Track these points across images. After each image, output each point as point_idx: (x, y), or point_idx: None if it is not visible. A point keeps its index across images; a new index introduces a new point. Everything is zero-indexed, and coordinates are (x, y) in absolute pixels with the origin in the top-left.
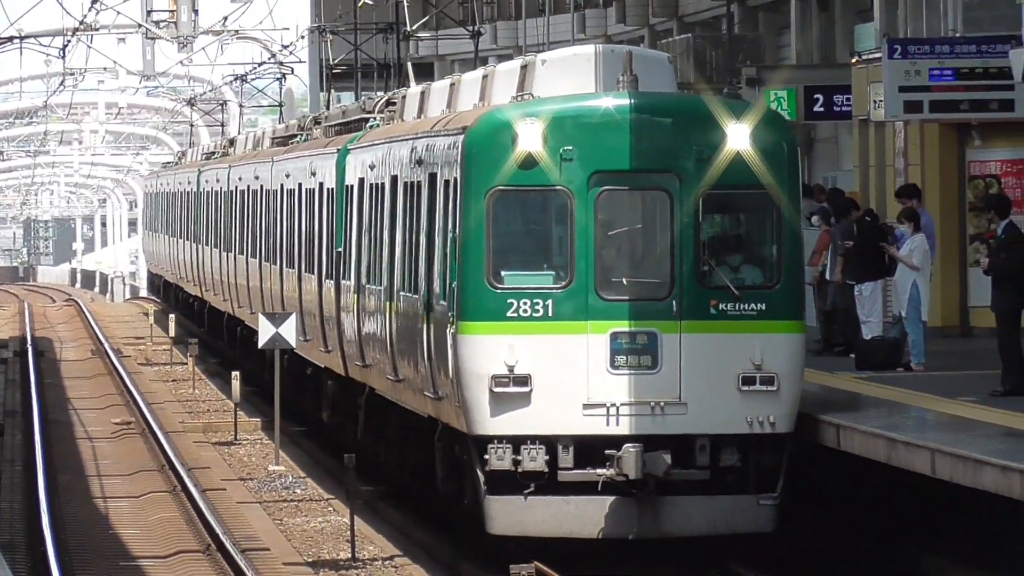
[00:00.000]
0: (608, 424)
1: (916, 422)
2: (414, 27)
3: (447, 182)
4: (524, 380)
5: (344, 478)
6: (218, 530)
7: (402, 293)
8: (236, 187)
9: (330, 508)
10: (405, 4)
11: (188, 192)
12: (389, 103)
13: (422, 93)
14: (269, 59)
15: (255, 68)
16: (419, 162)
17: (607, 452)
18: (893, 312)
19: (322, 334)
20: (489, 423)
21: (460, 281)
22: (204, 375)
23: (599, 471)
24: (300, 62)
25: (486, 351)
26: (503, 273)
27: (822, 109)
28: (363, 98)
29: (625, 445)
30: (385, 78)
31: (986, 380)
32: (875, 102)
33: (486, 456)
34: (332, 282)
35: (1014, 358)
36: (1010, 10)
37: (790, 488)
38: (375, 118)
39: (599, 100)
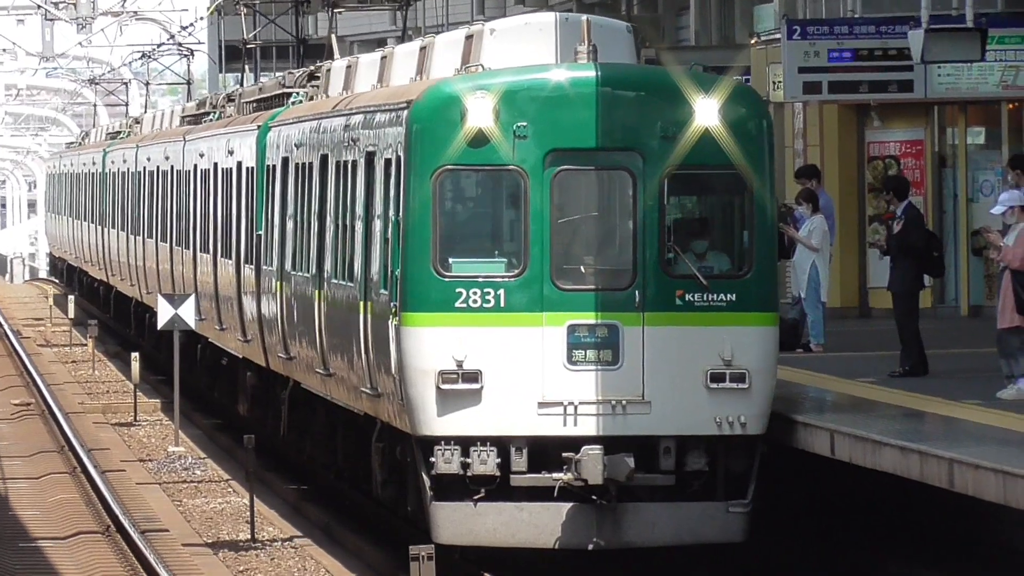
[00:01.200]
0: (565, 424)
1: (815, 403)
2: None
3: (388, 161)
4: (474, 376)
5: (243, 459)
6: (117, 511)
7: (335, 281)
8: (144, 167)
9: (230, 489)
10: None
11: (93, 173)
12: (312, 77)
13: (348, 67)
14: (168, 40)
15: (156, 48)
16: (354, 140)
17: (564, 455)
18: (792, 293)
19: (240, 323)
20: (435, 423)
21: (403, 269)
22: (104, 356)
23: (555, 475)
24: (200, 43)
25: (432, 345)
26: (451, 260)
27: None
28: (282, 73)
29: (584, 447)
30: (298, 56)
31: (885, 361)
32: (774, 83)
33: (432, 459)
34: (252, 268)
35: (912, 339)
36: None
37: (761, 494)
38: (298, 93)
39: (556, 72)
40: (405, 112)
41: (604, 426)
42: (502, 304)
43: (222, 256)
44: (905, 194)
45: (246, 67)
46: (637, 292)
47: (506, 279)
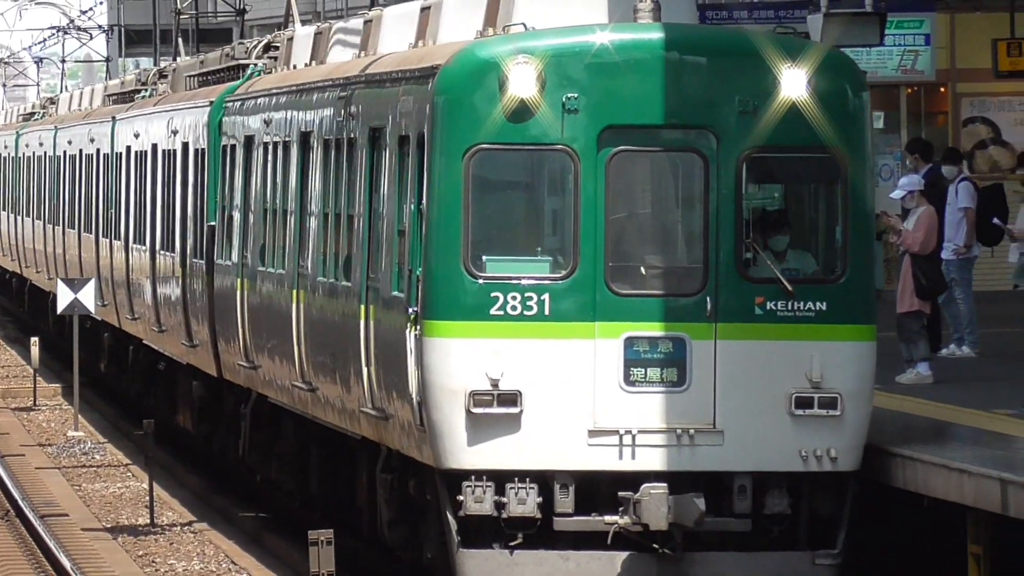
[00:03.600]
0: (621, 457)
1: None
2: None
3: (403, 139)
4: (512, 398)
5: (143, 444)
6: (17, 496)
7: (322, 280)
8: (65, 151)
9: (129, 474)
10: None
11: (4, 157)
12: (268, 48)
13: (317, 34)
14: (68, 24)
15: (55, 32)
16: (353, 115)
17: (621, 494)
18: None
19: (185, 325)
20: (465, 454)
21: (427, 268)
22: (4, 342)
23: (608, 518)
24: (99, 27)
25: (462, 360)
26: (485, 258)
27: None
28: (230, 46)
29: (644, 485)
30: (240, 30)
31: None
32: None
33: (460, 497)
34: (203, 262)
35: None
36: None
37: (852, 542)
38: (255, 65)
39: (613, 33)
40: (430, 80)
41: (668, 460)
42: (546, 311)
43: (162, 249)
44: None
45: (180, 43)
46: (708, 298)
47: (552, 281)
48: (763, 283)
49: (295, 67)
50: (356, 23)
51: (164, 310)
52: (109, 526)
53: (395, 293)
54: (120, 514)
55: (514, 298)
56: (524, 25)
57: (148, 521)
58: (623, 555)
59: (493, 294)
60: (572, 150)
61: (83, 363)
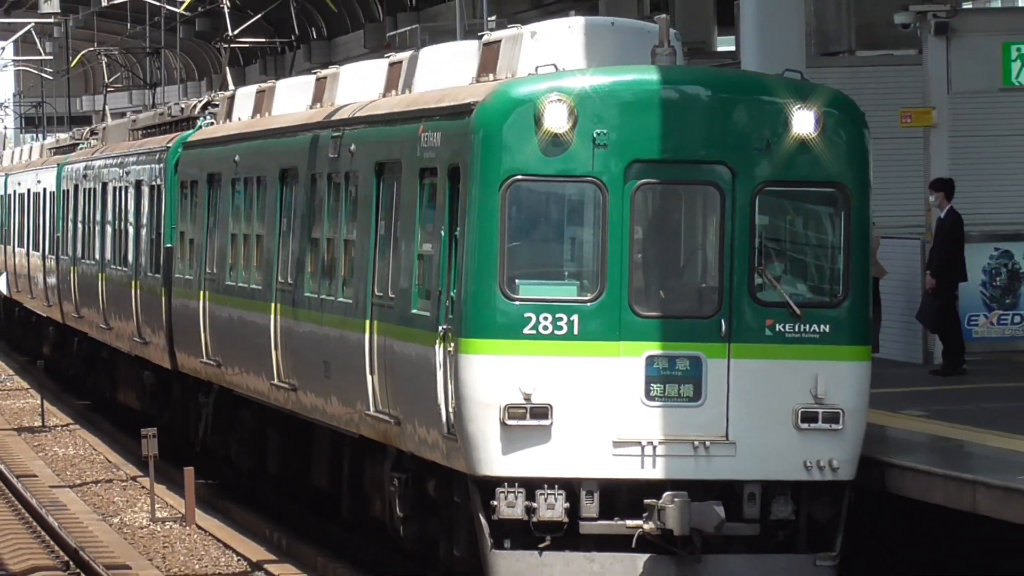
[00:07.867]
0: (643, 466)
1: None
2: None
3: (425, 171)
4: (543, 411)
5: (37, 375)
6: None
7: (309, 295)
8: (15, 191)
9: (30, 395)
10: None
11: None
12: (208, 105)
13: (259, 92)
14: None
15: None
16: (352, 152)
17: (646, 502)
18: None
19: (136, 324)
20: (499, 462)
21: (465, 290)
22: None
23: (631, 523)
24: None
25: (498, 375)
26: (518, 282)
27: None
28: (168, 105)
29: (667, 493)
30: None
31: None
32: None
33: (493, 502)
34: (159, 276)
35: None
36: None
37: (848, 546)
38: (205, 117)
39: (640, 74)
40: (468, 117)
41: (685, 469)
42: (575, 332)
43: (113, 264)
44: None
45: (107, 107)
46: (723, 320)
47: (580, 303)
48: (773, 306)
49: (239, 119)
50: (304, 80)
51: (112, 312)
52: (15, 427)
53: (415, 311)
54: (22, 420)
55: (546, 319)
56: (555, 65)
57: (41, 424)
58: (644, 557)
59: (526, 315)
60: (601, 182)
61: (29, 350)
